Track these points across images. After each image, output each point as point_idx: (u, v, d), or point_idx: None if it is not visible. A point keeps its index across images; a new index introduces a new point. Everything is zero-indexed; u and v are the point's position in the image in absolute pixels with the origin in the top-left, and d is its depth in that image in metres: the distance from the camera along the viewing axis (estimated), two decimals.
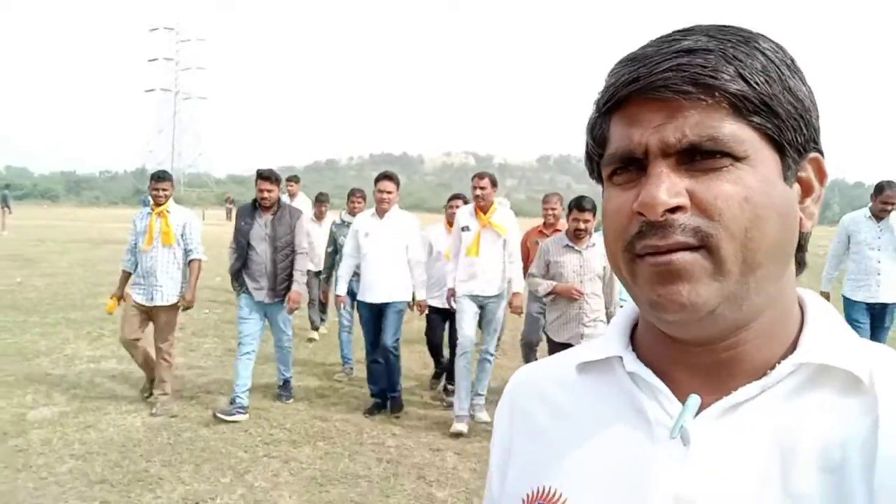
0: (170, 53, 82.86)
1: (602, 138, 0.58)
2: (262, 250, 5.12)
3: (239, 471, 4.05)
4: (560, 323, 4.47)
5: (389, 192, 5.19)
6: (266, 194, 5.12)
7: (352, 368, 6.37)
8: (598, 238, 4.49)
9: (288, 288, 5.20)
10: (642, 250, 0.53)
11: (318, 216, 7.78)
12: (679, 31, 0.55)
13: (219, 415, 4.89)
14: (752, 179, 0.51)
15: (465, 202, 5.67)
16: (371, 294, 5.21)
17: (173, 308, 5.15)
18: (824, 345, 0.55)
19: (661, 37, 0.55)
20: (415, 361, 6.85)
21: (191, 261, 5.19)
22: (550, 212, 6.10)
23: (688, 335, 0.55)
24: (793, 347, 0.56)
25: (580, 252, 4.50)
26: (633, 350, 0.62)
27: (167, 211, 5.13)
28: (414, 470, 4.18)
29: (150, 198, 5.22)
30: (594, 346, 0.65)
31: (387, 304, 5.18)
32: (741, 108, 0.51)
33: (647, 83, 0.52)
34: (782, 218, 0.53)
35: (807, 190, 0.57)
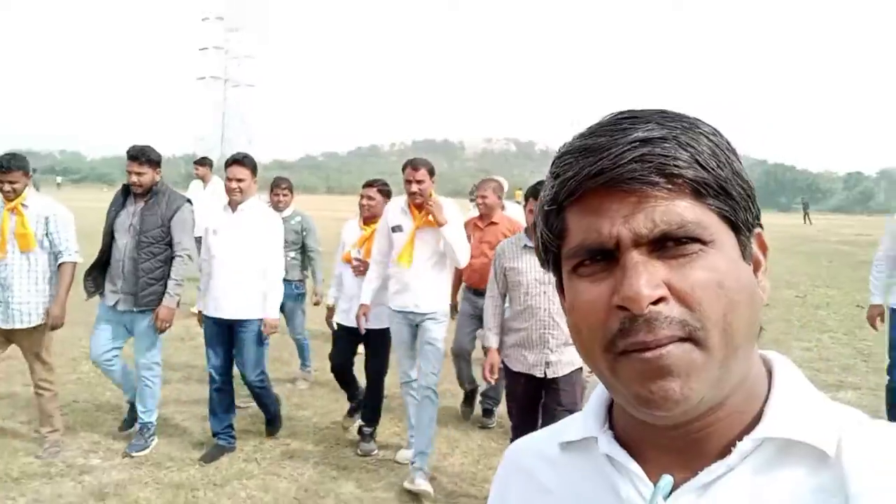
0: (220, 42, 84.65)
1: (560, 230, 0.57)
2: (122, 244, 4.06)
3: None
4: (518, 348, 3.36)
5: (241, 180, 4.13)
6: (135, 178, 4.04)
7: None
8: None
9: (157, 298, 4.06)
10: (629, 347, 0.52)
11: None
12: (624, 117, 0.55)
13: (133, 453, 4.09)
14: (721, 263, 0.53)
15: (383, 192, 4.52)
16: (217, 307, 4.14)
17: (39, 329, 3.99)
18: (788, 416, 0.54)
19: (608, 124, 0.56)
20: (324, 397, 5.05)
21: (60, 264, 4.01)
22: (481, 201, 4.92)
23: (667, 422, 0.55)
24: (757, 421, 0.55)
25: None
26: (611, 428, 0.63)
27: (22, 205, 3.92)
28: None
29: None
30: (575, 423, 0.66)
31: (239, 322, 4.14)
32: (702, 193, 0.53)
33: (615, 175, 0.52)
34: (750, 296, 0.54)
35: (757, 265, 0.58)
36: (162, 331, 4.11)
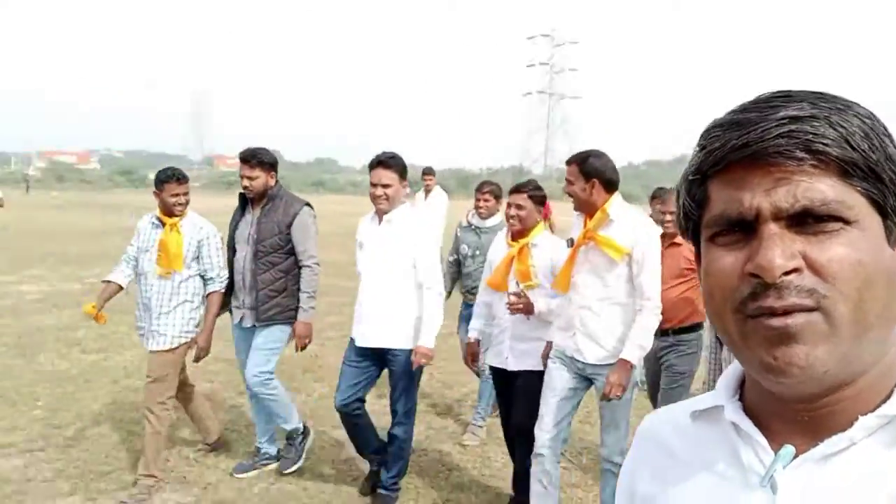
0: (545, 58, 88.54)
1: (702, 199, 0.59)
2: (241, 256, 3.76)
3: None
4: None
5: (386, 186, 3.43)
6: (246, 182, 3.71)
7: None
8: None
9: (280, 311, 3.70)
10: (756, 311, 0.53)
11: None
12: (777, 95, 0.55)
13: (236, 474, 3.82)
14: (863, 242, 0.52)
15: (534, 198, 3.49)
16: (363, 333, 3.52)
17: (168, 353, 3.64)
18: None
19: (759, 101, 0.56)
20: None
21: (209, 293, 3.74)
22: (669, 216, 3.76)
23: (793, 394, 0.56)
24: (886, 401, 0.55)
25: None
26: (740, 399, 0.64)
27: (180, 226, 3.65)
28: None
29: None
30: (708, 395, 0.68)
31: (387, 352, 3.48)
32: (849, 173, 0.52)
33: (760, 149, 0.52)
34: (891, 281, 0.53)
35: None
36: (303, 347, 3.75)
